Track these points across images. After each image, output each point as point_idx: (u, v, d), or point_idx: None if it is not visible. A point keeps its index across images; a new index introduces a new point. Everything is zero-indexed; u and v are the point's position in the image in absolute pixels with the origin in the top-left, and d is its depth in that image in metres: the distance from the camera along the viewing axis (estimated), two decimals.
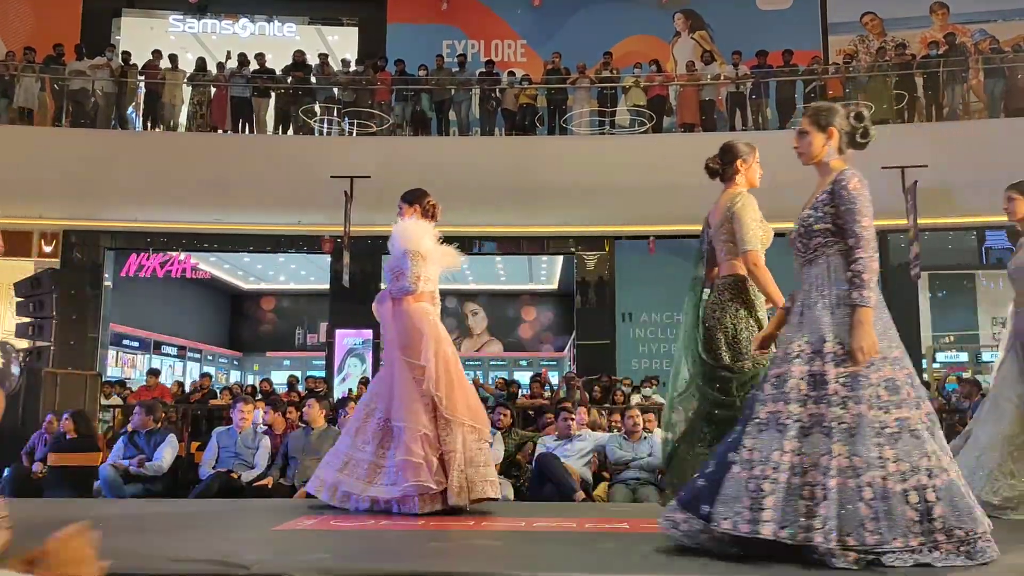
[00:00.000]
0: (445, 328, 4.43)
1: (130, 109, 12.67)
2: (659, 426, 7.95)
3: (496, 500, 4.21)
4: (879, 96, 12.02)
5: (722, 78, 12.68)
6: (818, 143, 3.08)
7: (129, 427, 6.66)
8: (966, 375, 12.49)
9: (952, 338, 15.29)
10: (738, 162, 4.02)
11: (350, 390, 11.50)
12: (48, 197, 12.49)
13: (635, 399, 10.44)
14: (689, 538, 2.85)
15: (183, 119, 12.71)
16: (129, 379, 14.36)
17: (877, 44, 14.20)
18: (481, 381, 14.27)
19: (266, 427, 6.95)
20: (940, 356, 14.87)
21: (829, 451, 2.64)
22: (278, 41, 15.40)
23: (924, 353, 13.88)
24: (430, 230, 4.43)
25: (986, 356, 15.01)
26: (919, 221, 11.16)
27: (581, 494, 5.54)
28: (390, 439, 4.14)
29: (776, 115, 12.41)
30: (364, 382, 12.35)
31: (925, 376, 11.19)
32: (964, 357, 14.91)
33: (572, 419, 6.31)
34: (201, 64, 13.20)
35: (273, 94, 12.66)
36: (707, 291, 4.01)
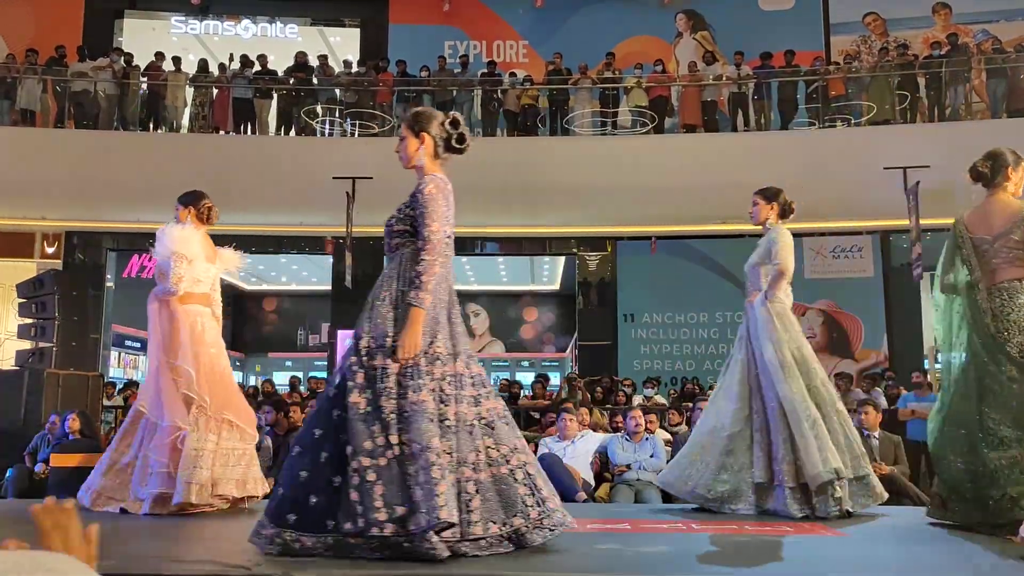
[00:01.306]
0: (215, 332, 4.55)
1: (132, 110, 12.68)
2: (661, 427, 7.94)
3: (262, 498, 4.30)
4: (881, 96, 12.00)
5: (724, 79, 12.67)
6: (412, 148, 3.17)
7: None
8: None
9: None
10: (1008, 169, 4.00)
11: None
12: (50, 198, 12.51)
13: (637, 400, 10.43)
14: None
15: (185, 120, 12.72)
16: (133, 380, 14.36)
17: (879, 44, 14.18)
18: None
19: (268, 428, 6.95)
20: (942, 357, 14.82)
21: (387, 442, 2.72)
22: (280, 42, 15.41)
23: (926, 353, 13.86)
24: (198, 235, 4.57)
25: None
26: (921, 222, 11.14)
27: (583, 495, 5.54)
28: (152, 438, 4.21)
29: (778, 116, 12.39)
30: None
31: (927, 377, 11.16)
32: None
33: (569, 420, 6.30)
34: (203, 65, 13.21)
35: (275, 95, 12.67)
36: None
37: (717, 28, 14.98)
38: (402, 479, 2.68)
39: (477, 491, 2.78)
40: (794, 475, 4.03)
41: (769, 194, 4.61)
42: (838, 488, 3.96)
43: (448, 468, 2.72)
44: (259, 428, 6.74)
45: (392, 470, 2.69)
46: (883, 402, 9.61)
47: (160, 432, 4.11)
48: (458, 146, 3.22)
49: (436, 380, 2.85)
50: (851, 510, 4.04)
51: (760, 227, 4.61)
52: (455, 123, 3.19)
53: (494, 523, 2.78)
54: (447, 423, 2.80)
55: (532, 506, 2.88)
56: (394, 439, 2.73)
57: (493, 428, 2.93)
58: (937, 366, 14.27)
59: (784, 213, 4.58)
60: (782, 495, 4.05)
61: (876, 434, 6.23)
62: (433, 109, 3.43)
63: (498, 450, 2.89)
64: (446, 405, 2.83)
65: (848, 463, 4.07)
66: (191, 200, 4.70)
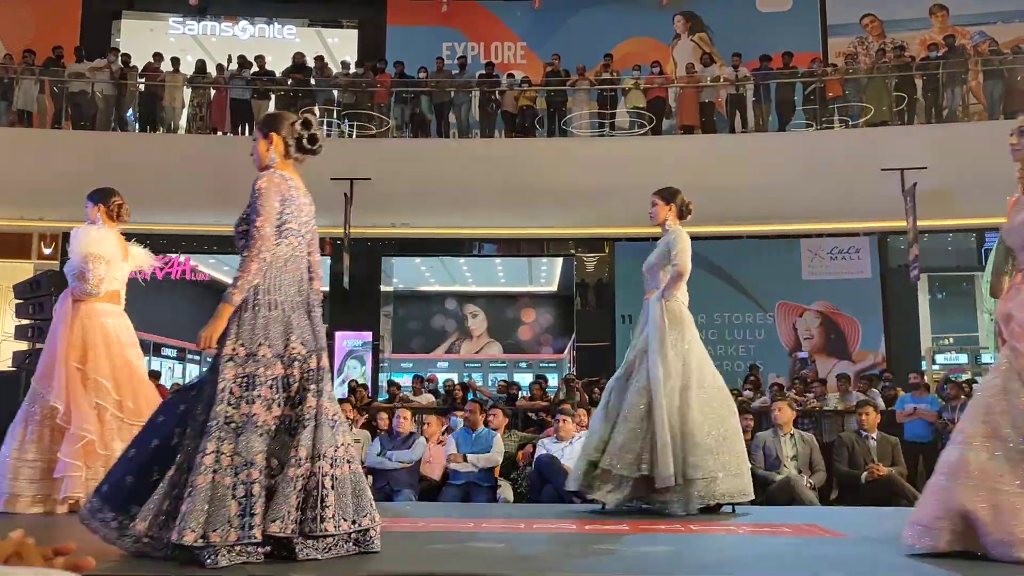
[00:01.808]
0: (129, 330, 4.54)
1: (129, 111, 12.67)
2: None
3: None
4: (879, 98, 12.02)
5: (722, 80, 12.69)
6: (262, 149, 3.17)
7: None
8: (965, 376, 12.48)
9: (951, 339, 15.29)
10: None
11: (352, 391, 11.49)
12: (48, 199, 12.48)
13: None
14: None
15: (183, 121, 12.71)
16: None
17: (876, 46, 14.21)
18: (479, 383, 14.28)
19: None
20: (940, 358, 14.86)
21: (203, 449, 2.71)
22: (278, 43, 15.41)
23: (923, 355, 13.89)
24: (112, 234, 4.56)
25: (986, 358, 15.01)
26: (918, 223, 11.16)
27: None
28: (60, 440, 4.14)
29: (776, 117, 12.41)
30: (363, 385, 12.36)
31: (925, 378, 11.17)
32: (964, 359, 14.91)
33: (563, 421, 6.29)
34: (201, 66, 13.21)
35: (273, 96, 12.67)
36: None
37: (715, 30, 15.00)
38: (222, 492, 2.65)
39: (332, 487, 2.76)
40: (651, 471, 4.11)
41: (667, 195, 4.68)
42: (683, 487, 4.04)
43: (271, 476, 2.71)
44: None
45: (212, 482, 2.67)
46: (881, 403, 9.63)
47: (68, 438, 4.07)
48: (310, 147, 3.21)
49: (298, 382, 2.85)
50: (722, 504, 4.17)
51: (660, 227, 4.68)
52: (306, 124, 3.19)
53: (345, 520, 2.77)
54: (305, 419, 2.79)
55: (375, 509, 2.88)
56: (212, 447, 2.70)
57: (341, 425, 2.94)
58: (935, 367, 14.31)
59: (682, 214, 4.67)
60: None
61: (874, 435, 6.22)
62: (285, 111, 3.49)
63: (346, 449, 2.89)
64: (303, 404, 2.82)
65: (713, 464, 4.11)
66: (101, 198, 4.66)
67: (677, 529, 3.72)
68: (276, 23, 15.88)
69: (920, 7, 14.58)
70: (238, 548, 2.61)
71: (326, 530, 2.71)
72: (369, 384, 12.98)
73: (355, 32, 15.65)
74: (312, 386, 2.87)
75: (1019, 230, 3.14)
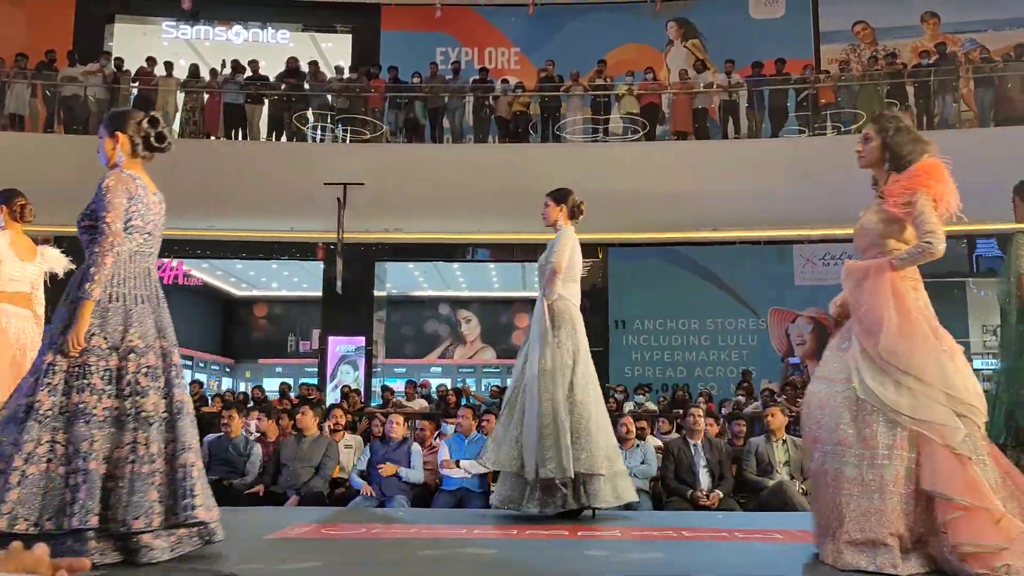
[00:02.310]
0: (34, 334, 4.46)
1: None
2: (651, 434, 7.94)
3: None
4: (870, 105, 12.06)
5: (715, 86, 12.73)
6: (108, 147, 3.24)
7: None
8: None
9: None
10: None
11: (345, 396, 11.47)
12: (39, 203, 12.38)
13: (628, 407, 10.44)
14: None
15: (176, 126, 12.69)
16: None
17: (868, 53, 14.27)
18: (472, 389, 14.27)
19: (259, 434, 6.92)
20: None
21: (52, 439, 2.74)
22: (272, 48, 15.40)
23: None
24: (8, 234, 4.57)
25: (977, 363, 15.06)
26: None
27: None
28: None
29: (769, 123, 12.46)
30: (355, 390, 12.34)
31: None
32: None
33: None
34: (194, 71, 13.19)
35: (267, 101, 12.66)
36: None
37: (708, 36, 15.05)
38: (58, 481, 2.69)
39: (198, 476, 2.82)
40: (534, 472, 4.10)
41: (558, 196, 4.75)
42: (562, 487, 4.05)
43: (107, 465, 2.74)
44: (247, 435, 6.73)
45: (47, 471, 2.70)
46: None
47: None
48: (157, 144, 3.28)
49: (132, 374, 2.87)
50: (597, 507, 4.17)
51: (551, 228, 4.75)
52: (153, 122, 3.25)
53: (206, 510, 2.82)
54: (143, 415, 2.81)
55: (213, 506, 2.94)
56: (47, 437, 2.73)
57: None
58: None
59: (573, 214, 4.73)
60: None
61: None
62: (132, 109, 3.56)
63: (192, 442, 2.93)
64: (142, 397, 2.84)
65: (596, 463, 4.12)
66: (4, 199, 4.67)
67: (669, 535, 3.72)
68: (270, 28, 15.87)
69: (912, 15, 14.66)
70: (73, 538, 2.64)
71: (197, 517, 2.76)
72: (362, 389, 12.96)
73: (349, 37, 15.67)
74: (156, 381, 2.89)
75: (859, 233, 3.28)
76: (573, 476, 4.01)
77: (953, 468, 2.70)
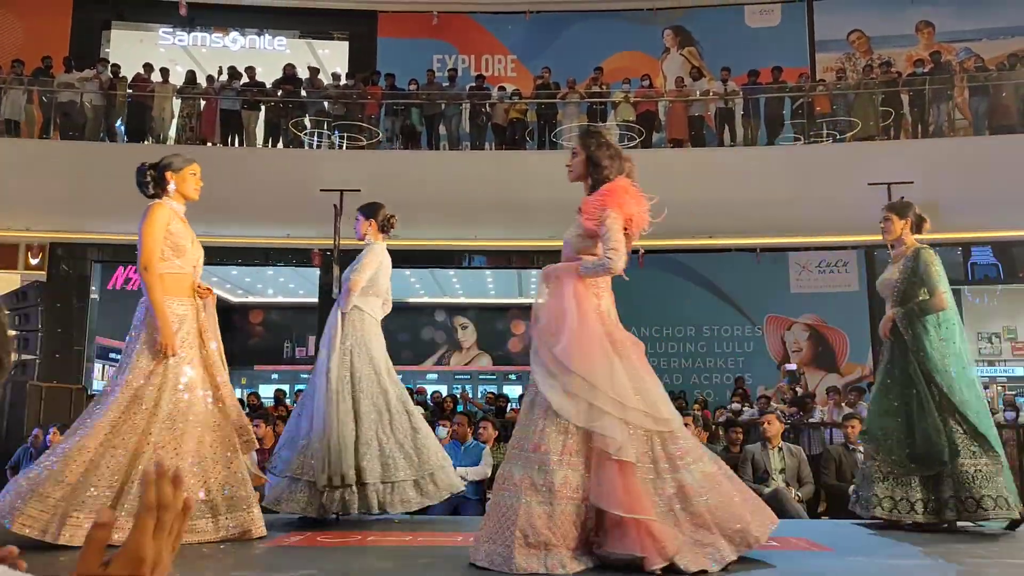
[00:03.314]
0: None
1: (118, 122, 12.63)
2: None
3: None
4: (865, 113, 12.12)
5: (711, 94, 12.77)
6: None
7: None
8: None
9: None
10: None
11: None
12: (35, 209, 12.42)
13: None
14: None
15: (172, 132, 12.68)
16: None
17: (864, 62, 14.34)
18: (470, 395, 14.24)
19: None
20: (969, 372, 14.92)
21: None
22: (268, 55, 15.41)
23: None
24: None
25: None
26: None
27: None
28: None
29: (765, 131, 12.49)
30: None
31: None
32: None
33: None
34: (191, 77, 13.19)
35: (263, 107, 12.66)
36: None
37: (704, 44, 15.10)
38: None
39: None
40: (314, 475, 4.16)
41: (368, 210, 4.76)
42: (340, 493, 4.10)
43: None
44: None
45: None
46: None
47: None
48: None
49: None
50: (391, 512, 4.22)
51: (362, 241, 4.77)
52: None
53: None
54: None
55: None
56: None
57: None
58: None
59: (383, 228, 4.74)
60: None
61: (861, 448, 6.22)
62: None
63: None
64: None
65: (389, 472, 4.19)
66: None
67: None
68: (267, 34, 15.89)
69: (907, 24, 14.73)
70: None
71: None
72: None
73: (346, 44, 15.69)
74: None
75: (564, 245, 3.34)
76: (352, 483, 4.08)
77: (613, 477, 2.75)
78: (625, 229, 3.19)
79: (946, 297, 4.20)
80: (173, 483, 0.89)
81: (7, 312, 0.95)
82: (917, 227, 4.46)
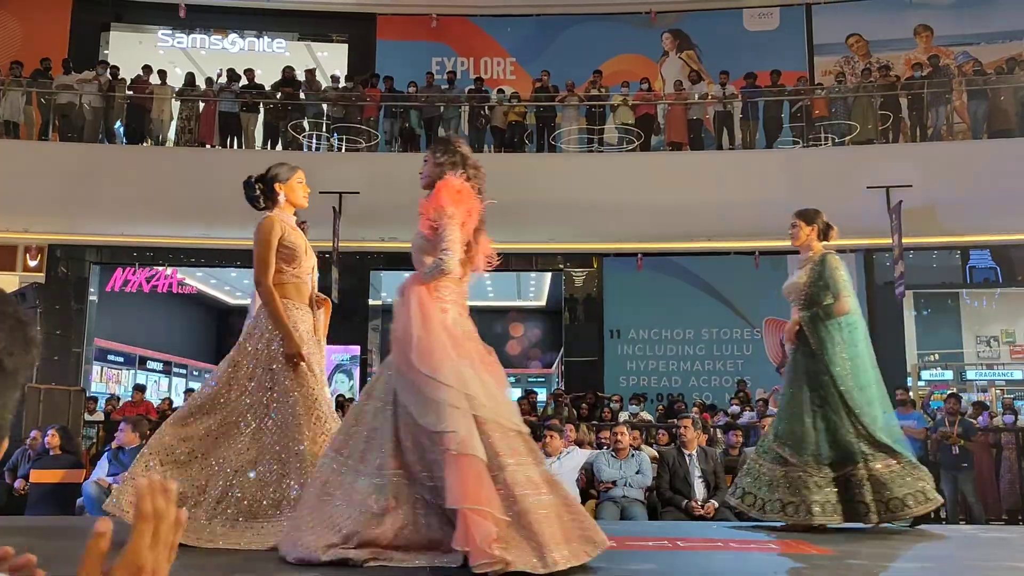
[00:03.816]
0: None
1: (117, 124, 12.63)
2: (647, 443, 7.94)
3: None
4: (864, 116, 12.14)
5: (709, 97, 12.79)
6: None
7: (114, 444, 6.60)
8: (950, 392, 12.55)
9: (936, 356, 15.38)
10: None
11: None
12: (33, 211, 12.41)
13: (623, 416, 10.44)
14: None
15: (171, 134, 12.68)
16: (115, 395, 14.21)
17: (862, 65, 14.36)
18: None
19: None
20: (925, 374, 14.95)
21: None
22: (267, 57, 15.41)
23: (909, 371, 13.96)
24: None
25: (970, 374, 15.10)
26: (904, 240, 11.24)
27: None
28: None
29: (763, 134, 12.51)
30: (349, 399, 12.29)
31: (911, 394, 11.22)
32: (949, 375, 15.00)
33: (550, 436, 6.27)
34: (190, 79, 13.19)
35: (262, 109, 12.66)
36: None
37: (703, 48, 15.12)
38: None
39: None
40: None
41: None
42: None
43: None
44: None
45: None
46: None
47: None
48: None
49: None
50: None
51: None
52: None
53: None
54: None
55: None
56: None
57: None
58: (921, 384, 14.38)
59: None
60: None
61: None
62: None
63: None
64: None
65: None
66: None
67: (664, 545, 3.71)
68: (266, 36, 15.89)
69: (905, 27, 14.75)
70: None
71: None
72: (356, 398, 12.91)
73: (345, 46, 15.68)
74: None
75: (412, 246, 3.38)
76: None
77: (458, 473, 2.73)
78: (464, 225, 3.19)
79: (850, 302, 4.28)
80: (165, 495, 0.92)
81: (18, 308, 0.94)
82: (824, 234, 4.56)
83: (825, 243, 4.52)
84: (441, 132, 12.89)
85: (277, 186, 3.89)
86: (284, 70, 13.16)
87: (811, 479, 4.05)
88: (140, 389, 12.06)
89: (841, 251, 14.55)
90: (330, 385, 13.91)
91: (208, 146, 12.41)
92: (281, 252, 3.76)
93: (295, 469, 3.44)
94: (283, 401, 3.54)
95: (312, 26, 15.90)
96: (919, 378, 14.59)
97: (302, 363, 3.57)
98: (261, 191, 3.89)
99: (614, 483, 6.07)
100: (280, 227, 3.79)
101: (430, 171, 3.38)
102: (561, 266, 14.30)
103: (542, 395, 14.04)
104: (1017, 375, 15.03)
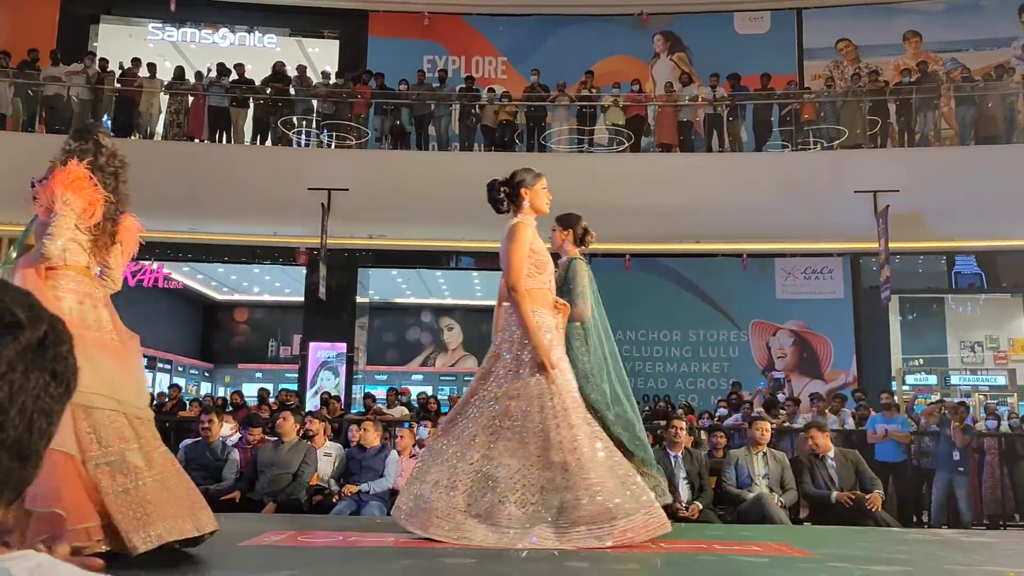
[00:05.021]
0: None
1: (105, 117, 12.53)
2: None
3: None
4: (852, 121, 12.19)
5: (700, 100, 12.82)
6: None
7: None
8: (934, 397, 12.64)
9: (921, 361, 15.49)
10: None
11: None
12: (18, 203, 12.28)
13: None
14: None
15: (160, 128, 12.60)
16: None
17: (851, 70, 14.43)
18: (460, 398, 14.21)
19: (238, 438, 6.86)
20: (909, 378, 15.06)
21: None
22: (258, 52, 15.34)
23: (894, 375, 14.05)
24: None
25: (955, 379, 15.21)
26: (890, 245, 11.31)
27: None
28: None
29: (752, 137, 12.55)
30: (335, 397, 12.26)
31: (895, 398, 11.29)
32: (933, 380, 15.11)
33: None
34: (179, 73, 13.11)
35: (252, 104, 12.60)
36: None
37: (693, 50, 15.16)
38: None
39: None
40: None
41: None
42: None
43: None
44: (225, 440, 6.67)
45: None
46: (850, 423, 9.70)
47: None
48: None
49: None
50: None
51: None
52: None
53: None
54: None
55: None
56: None
57: None
58: (905, 388, 14.48)
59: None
60: None
61: (831, 454, 6.05)
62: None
63: None
64: None
65: None
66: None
67: (647, 547, 3.71)
68: (257, 31, 15.81)
69: (894, 33, 14.84)
70: None
71: None
72: (342, 396, 12.89)
73: (336, 43, 15.64)
74: None
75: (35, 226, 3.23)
76: None
77: (51, 473, 2.58)
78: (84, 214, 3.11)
79: (588, 309, 4.33)
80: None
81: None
82: (581, 240, 4.64)
83: (582, 248, 4.60)
84: (431, 131, 12.89)
85: (523, 191, 3.87)
86: (275, 65, 13.10)
87: None
88: None
89: (827, 255, 14.70)
90: (315, 383, 13.88)
91: (197, 141, 12.33)
92: (531, 258, 3.79)
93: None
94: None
95: (304, 22, 15.83)
96: (903, 382, 14.70)
97: (552, 370, 3.60)
98: (506, 194, 3.88)
99: None
100: (532, 234, 3.84)
101: (56, 156, 3.25)
102: None
103: None
104: (1000, 380, 15.15)
